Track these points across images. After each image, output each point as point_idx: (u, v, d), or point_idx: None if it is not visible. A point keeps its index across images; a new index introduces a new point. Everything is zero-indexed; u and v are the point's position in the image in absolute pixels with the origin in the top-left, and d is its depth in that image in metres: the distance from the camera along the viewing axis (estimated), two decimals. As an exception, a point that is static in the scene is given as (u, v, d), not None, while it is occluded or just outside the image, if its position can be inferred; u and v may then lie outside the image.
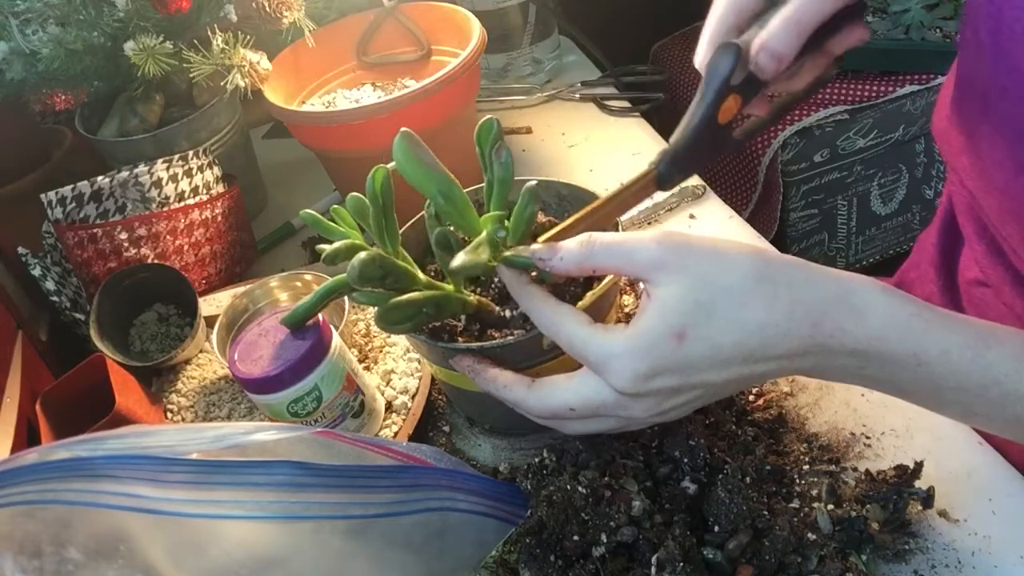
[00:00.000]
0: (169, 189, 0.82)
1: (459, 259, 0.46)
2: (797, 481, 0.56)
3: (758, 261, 0.44)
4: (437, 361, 0.59)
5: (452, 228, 0.53)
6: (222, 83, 0.84)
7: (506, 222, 0.50)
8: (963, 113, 0.59)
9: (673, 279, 0.44)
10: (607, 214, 0.52)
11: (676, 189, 0.88)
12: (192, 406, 0.74)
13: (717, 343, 0.43)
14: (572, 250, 0.46)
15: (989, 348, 0.43)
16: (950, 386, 0.43)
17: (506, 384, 0.50)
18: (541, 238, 0.50)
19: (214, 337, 0.73)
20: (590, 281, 0.57)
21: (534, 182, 0.49)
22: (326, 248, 0.52)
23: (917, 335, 0.43)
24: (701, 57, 0.54)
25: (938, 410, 0.47)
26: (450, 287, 0.54)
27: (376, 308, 0.50)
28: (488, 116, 0.51)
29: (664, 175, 0.51)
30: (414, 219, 0.63)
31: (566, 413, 0.48)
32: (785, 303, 0.43)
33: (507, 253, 0.48)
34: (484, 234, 0.49)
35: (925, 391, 0.45)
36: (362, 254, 0.48)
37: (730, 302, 0.43)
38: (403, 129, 0.49)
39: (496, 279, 0.57)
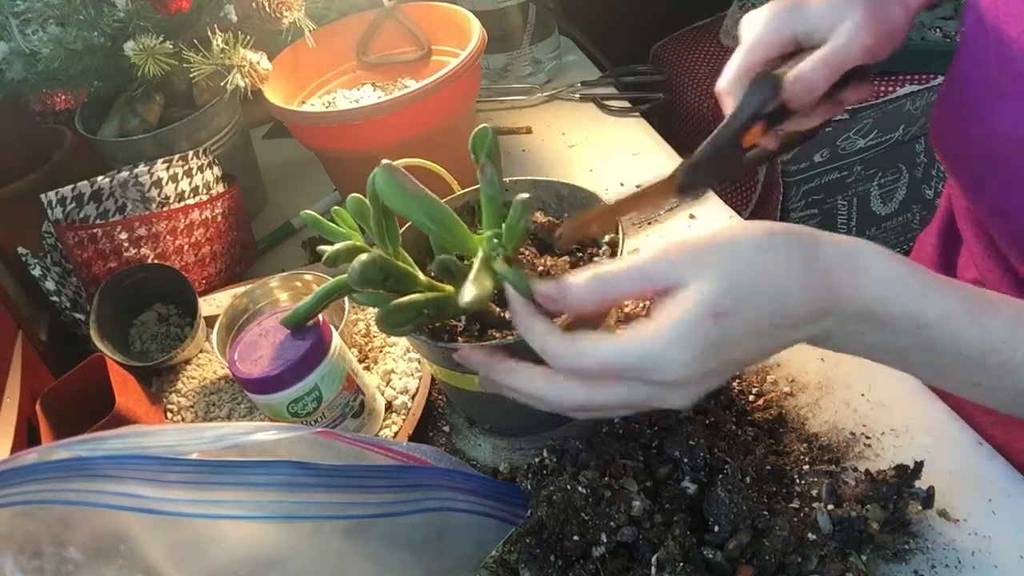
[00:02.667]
0: (169, 189, 0.82)
1: (468, 294, 0.46)
2: (797, 481, 0.56)
3: (765, 233, 0.45)
4: (437, 361, 0.59)
5: (448, 251, 0.53)
6: (222, 83, 0.84)
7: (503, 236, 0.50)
8: (962, 118, 0.60)
9: (693, 276, 0.44)
10: (623, 213, 0.53)
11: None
12: (192, 406, 0.74)
13: (748, 315, 0.44)
14: (584, 289, 0.46)
15: (985, 314, 0.44)
16: (949, 352, 0.44)
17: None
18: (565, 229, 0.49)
19: (214, 337, 0.73)
20: None
21: (525, 195, 0.49)
22: (327, 249, 0.52)
23: (914, 296, 0.44)
24: (725, 83, 0.58)
25: (940, 381, 0.47)
26: (450, 288, 0.54)
27: (377, 310, 0.50)
28: (483, 124, 0.50)
29: (685, 183, 0.53)
30: None
31: (598, 371, 0.45)
32: (799, 268, 0.45)
33: (502, 269, 0.47)
34: (480, 258, 0.49)
35: (925, 358, 0.45)
36: (363, 256, 0.48)
37: (750, 276, 0.44)
38: (383, 161, 0.49)
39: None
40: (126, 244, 0.80)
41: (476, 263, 0.48)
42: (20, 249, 0.79)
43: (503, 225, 0.50)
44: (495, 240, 0.49)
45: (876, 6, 0.60)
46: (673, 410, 0.60)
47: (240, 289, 0.80)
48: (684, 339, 0.44)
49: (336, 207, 0.58)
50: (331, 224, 0.57)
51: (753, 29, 0.60)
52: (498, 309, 0.56)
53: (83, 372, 0.70)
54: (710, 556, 0.50)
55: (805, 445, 0.59)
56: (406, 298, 0.50)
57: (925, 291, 0.45)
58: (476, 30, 0.87)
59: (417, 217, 0.50)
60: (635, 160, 0.96)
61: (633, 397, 0.45)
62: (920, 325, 0.44)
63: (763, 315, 0.45)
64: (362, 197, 0.54)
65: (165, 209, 0.81)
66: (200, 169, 0.85)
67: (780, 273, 0.45)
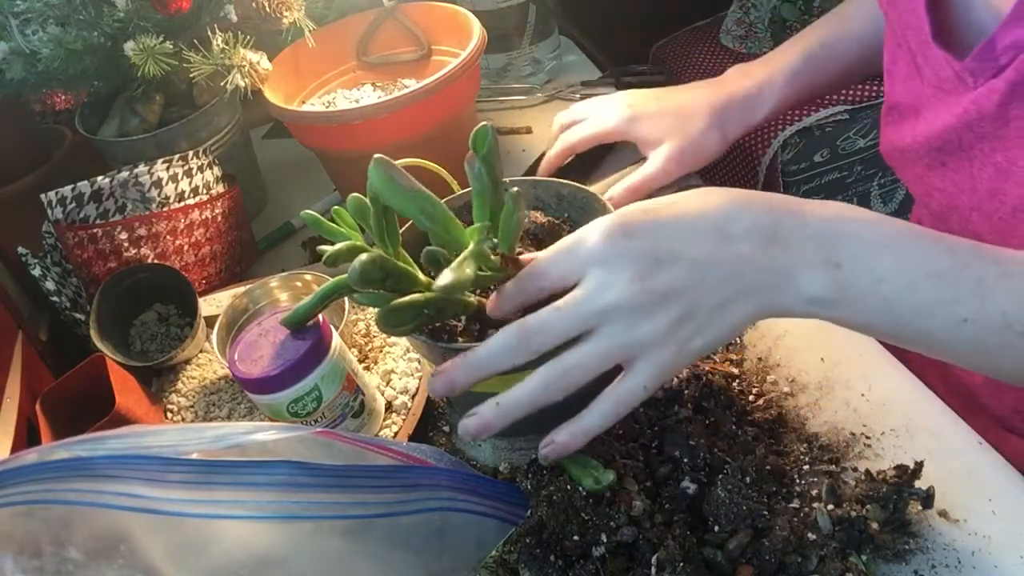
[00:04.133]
0: (169, 189, 0.82)
1: (445, 278, 0.45)
2: (797, 481, 0.56)
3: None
4: (437, 361, 0.59)
5: (440, 246, 0.53)
6: (222, 83, 0.84)
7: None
8: (901, 125, 0.64)
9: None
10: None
11: (675, 189, 0.88)
12: (192, 406, 0.74)
13: (683, 210, 0.47)
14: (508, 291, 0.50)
15: (945, 237, 0.46)
16: (923, 271, 0.45)
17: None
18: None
19: (214, 337, 0.73)
20: None
21: (516, 189, 0.49)
22: (327, 249, 0.52)
23: (870, 216, 0.47)
24: (558, 150, 0.83)
25: (929, 324, 0.46)
26: None
27: (377, 310, 0.50)
28: (484, 123, 0.50)
29: None
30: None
31: (546, 313, 0.46)
32: (742, 193, 0.48)
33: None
34: (469, 249, 0.49)
35: (902, 285, 0.46)
36: (363, 256, 0.48)
37: (686, 199, 0.48)
38: (376, 156, 0.49)
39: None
40: (126, 244, 0.80)
41: (464, 253, 0.48)
42: (20, 249, 0.79)
43: (500, 220, 0.50)
44: (487, 233, 0.49)
45: (694, 136, 0.77)
46: (674, 408, 0.60)
47: (240, 289, 0.80)
48: (611, 216, 0.47)
49: (336, 207, 0.58)
50: (331, 224, 0.57)
51: (598, 120, 0.80)
52: None
53: (83, 372, 0.70)
54: (710, 556, 0.50)
55: (805, 445, 0.59)
56: (406, 298, 0.50)
57: (880, 217, 0.47)
58: (476, 30, 0.87)
59: (411, 212, 0.50)
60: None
61: (590, 315, 0.45)
62: (886, 244, 0.46)
63: (699, 215, 0.47)
64: (362, 197, 0.54)
65: (165, 209, 0.81)
66: (200, 169, 0.85)
67: (720, 192, 0.48)
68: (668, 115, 0.79)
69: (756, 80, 0.79)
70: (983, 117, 0.55)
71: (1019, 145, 0.54)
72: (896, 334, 0.48)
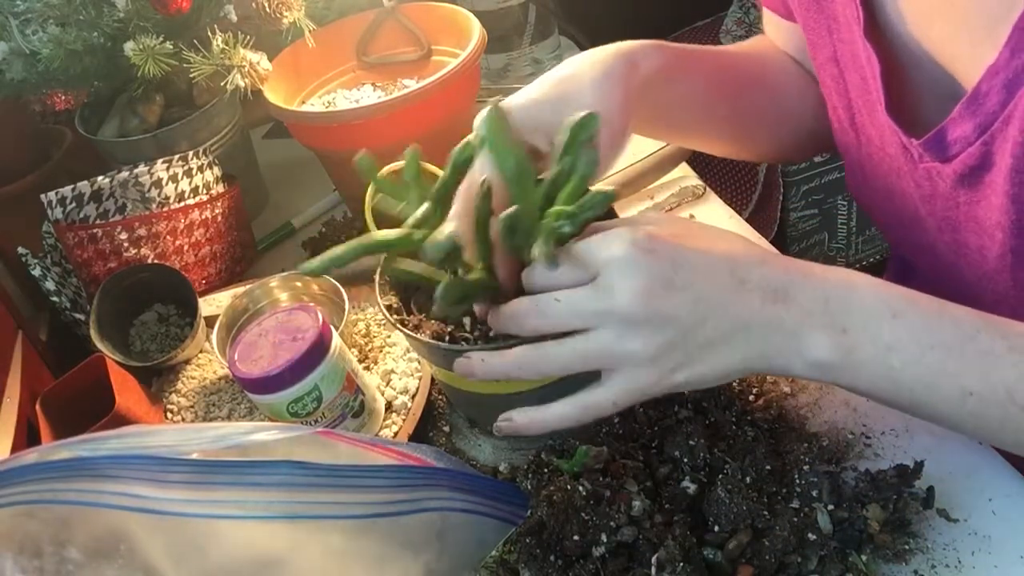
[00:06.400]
0: (169, 189, 0.82)
1: (538, 249, 0.47)
2: (797, 481, 0.56)
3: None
4: (438, 362, 0.59)
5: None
6: (222, 83, 0.84)
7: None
8: (864, 170, 0.65)
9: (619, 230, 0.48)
10: None
11: (676, 189, 0.88)
12: (192, 406, 0.74)
13: (709, 245, 0.47)
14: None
15: (950, 307, 0.47)
16: (928, 343, 0.45)
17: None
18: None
19: (214, 337, 0.73)
20: None
21: (612, 189, 0.48)
22: (408, 216, 0.52)
23: (879, 284, 0.47)
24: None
25: (935, 395, 0.47)
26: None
27: (395, 299, 0.52)
28: (589, 112, 0.49)
29: None
30: None
31: (549, 301, 0.47)
32: (762, 249, 0.49)
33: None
34: (544, 228, 0.49)
35: (909, 356, 0.46)
36: (449, 229, 0.49)
37: (711, 235, 0.49)
38: (497, 103, 0.49)
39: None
40: (126, 244, 0.80)
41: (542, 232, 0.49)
42: (20, 249, 0.79)
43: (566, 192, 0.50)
44: (564, 218, 0.48)
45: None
46: (672, 407, 0.60)
47: (240, 289, 0.80)
48: (637, 227, 0.47)
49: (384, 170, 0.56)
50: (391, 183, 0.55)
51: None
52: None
53: (83, 372, 0.70)
54: (710, 556, 0.50)
55: (805, 445, 0.59)
56: (474, 275, 0.51)
57: (887, 285, 0.47)
58: (476, 30, 0.87)
59: (510, 169, 0.50)
60: (634, 160, 0.95)
61: (586, 314, 0.46)
62: (893, 312, 0.46)
63: (723, 253, 0.47)
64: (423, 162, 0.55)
65: (165, 209, 0.81)
66: (200, 169, 0.85)
67: (742, 242, 0.49)
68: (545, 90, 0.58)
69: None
70: (936, 194, 0.55)
71: (967, 229, 0.54)
72: (898, 402, 0.48)
